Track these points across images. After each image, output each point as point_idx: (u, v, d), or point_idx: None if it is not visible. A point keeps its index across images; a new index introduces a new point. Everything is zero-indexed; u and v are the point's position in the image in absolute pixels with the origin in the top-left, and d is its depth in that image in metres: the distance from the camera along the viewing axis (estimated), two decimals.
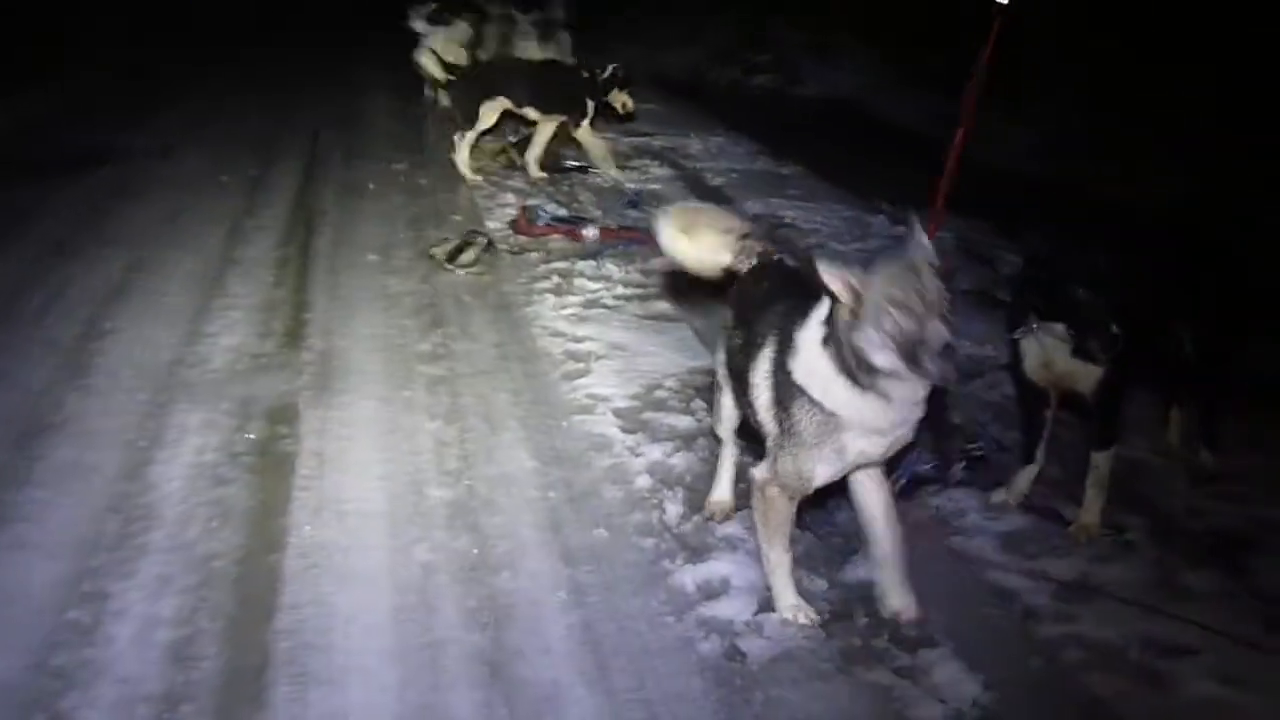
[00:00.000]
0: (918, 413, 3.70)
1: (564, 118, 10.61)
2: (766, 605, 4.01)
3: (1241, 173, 10.32)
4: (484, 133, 10.67)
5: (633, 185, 10.33)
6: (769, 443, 3.95)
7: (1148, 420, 5.32)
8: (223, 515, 4.52)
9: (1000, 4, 6.60)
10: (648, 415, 5.54)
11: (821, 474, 3.80)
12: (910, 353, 3.40)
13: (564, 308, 7.05)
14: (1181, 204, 10.01)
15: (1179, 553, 4.50)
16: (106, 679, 3.56)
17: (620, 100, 10.89)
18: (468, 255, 7.77)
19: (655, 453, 5.16)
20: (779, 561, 3.97)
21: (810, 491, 3.90)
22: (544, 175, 10.53)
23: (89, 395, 5.53)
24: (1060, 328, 4.30)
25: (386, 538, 4.42)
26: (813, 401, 3.67)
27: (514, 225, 8.74)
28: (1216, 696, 3.65)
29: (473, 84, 10.62)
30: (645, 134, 12.61)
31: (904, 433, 3.76)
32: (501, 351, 6.36)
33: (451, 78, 10.82)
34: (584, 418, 5.52)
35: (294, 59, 17.46)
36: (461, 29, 13.28)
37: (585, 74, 10.74)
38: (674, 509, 4.65)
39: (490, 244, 8.03)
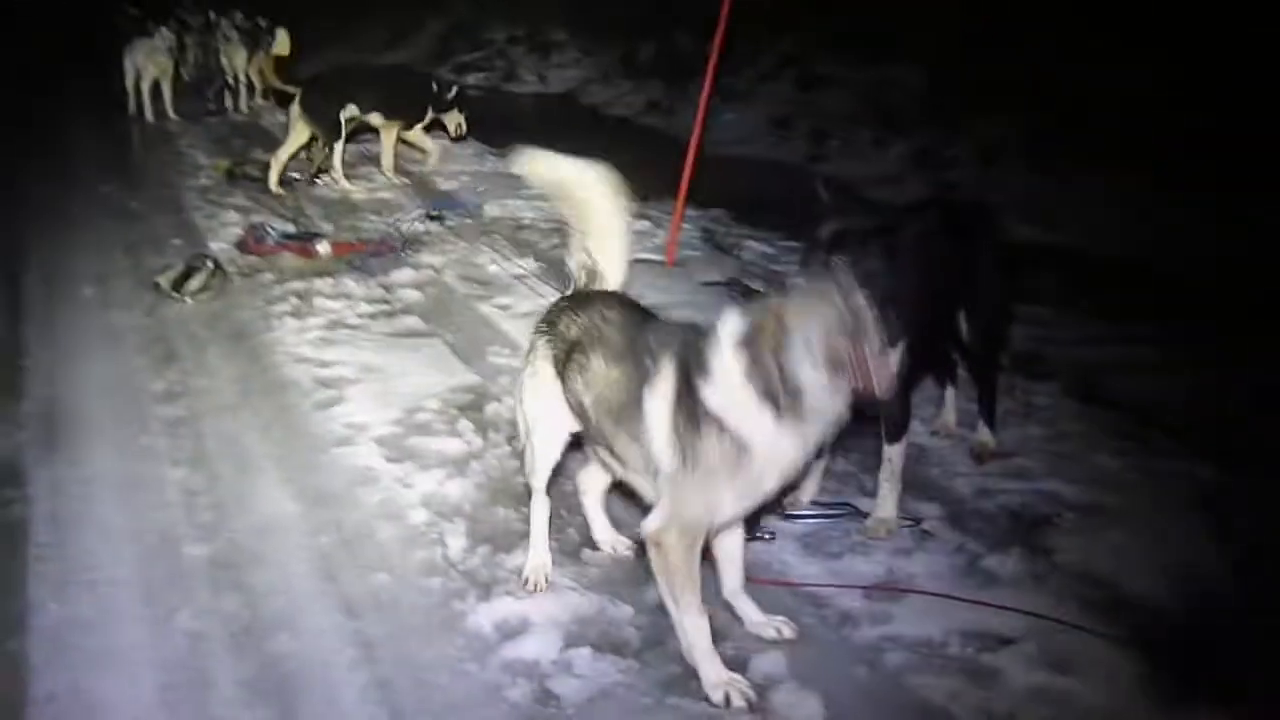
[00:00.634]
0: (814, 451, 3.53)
1: (405, 124, 10.64)
2: (573, 640, 3.77)
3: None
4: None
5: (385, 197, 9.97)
6: (654, 482, 3.59)
7: (921, 403, 5.29)
8: None
9: None
10: (413, 441, 5.22)
11: (731, 509, 3.50)
12: (841, 367, 3.23)
13: (306, 330, 6.66)
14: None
15: (979, 537, 4.48)
16: None
17: (455, 121, 10.98)
18: (195, 281, 7.28)
19: (427, 482, 4.84)
20: (696, 627, 3.54)
21: (713, 532, 3.61)
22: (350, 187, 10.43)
23: None
24: None
25: (144, 607, 3.97)
26: (725, 430, 3.36)
27: (240, 245, 8.28)
28: (1046, 684, 3.58)
29: (329, 93, 10.21)
30: (365, 140, 12.22)
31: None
32: (244, 385, 5.95)
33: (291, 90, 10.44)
34: (344, 450, 5.16)
35: None
36: (164, 37, 12.73)
37: (435, 86, 10.88)
38: (456, 543, 4.35)
39: (218, 267, 7.52)
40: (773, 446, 3.37)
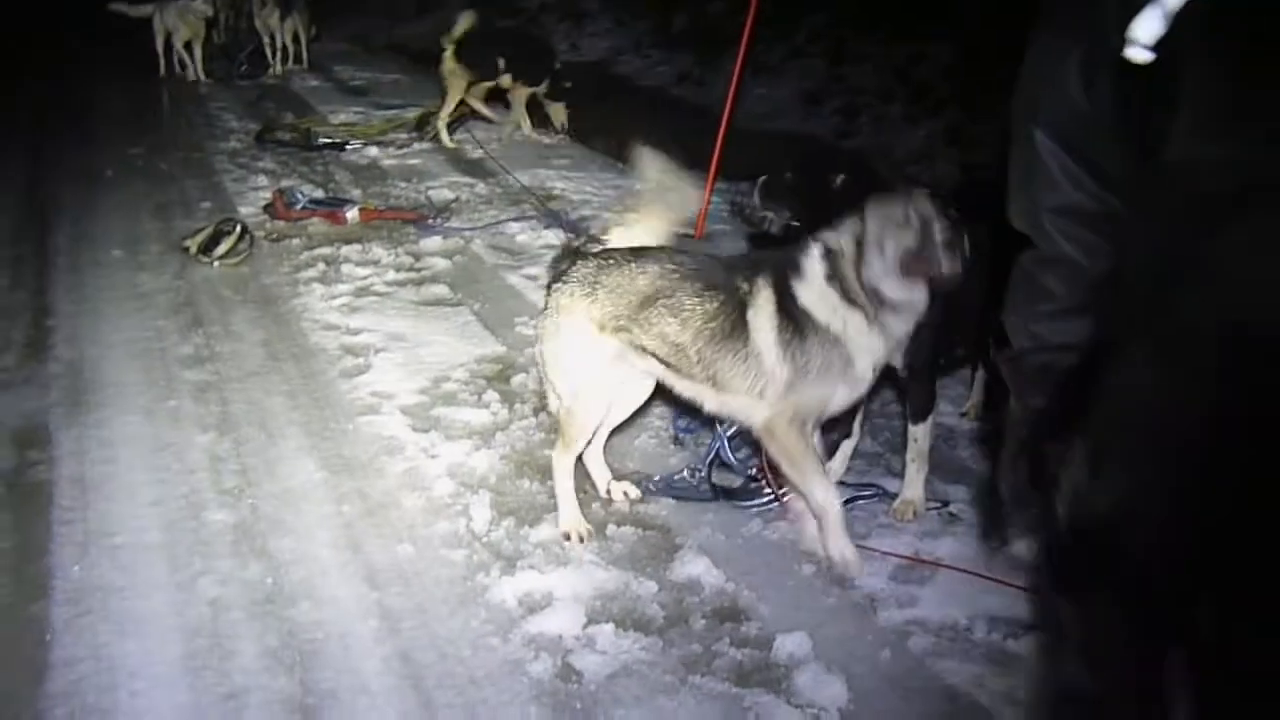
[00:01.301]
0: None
1: (531, 89, 10.74)
2: (596, 616, 3.73)
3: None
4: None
5: (392, 163, 9.95)
6: (757, 397, 3.96)
7: (951, 384, 5.22)
8: None
9: None
10: (439, 411, 5.19)
11: (840, 399, 3.97)
12: (912, 268, 3.74)
13: (334, 297, 6.64)
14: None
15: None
16: None
17: (559, 114, 11.04)
18: (223, 245, 7.25)
19: (453, 453, 4.81)
20: (825, 493, 3.99)
21: (823, 419, 4.08)
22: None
23: None
24: None
25: (167, 573, 3.95)
26: (824, 331, 3.84)
27: (269, 210, 8.25)
28: None
29: (484, 51, 10.34)
30: (395, 106, 12.18)
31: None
32: (271, 350, 5.92)
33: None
34: (370, 418, 5.13)
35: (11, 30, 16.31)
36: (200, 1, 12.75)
37: (556, 61, 10.90)
38: (481, 515, 4.31)
39: (246, 232, 7.48)
40: (864, 340, 3.85)
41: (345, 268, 7.12)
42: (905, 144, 11.30)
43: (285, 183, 8.95)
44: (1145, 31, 1.81)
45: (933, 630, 3.73)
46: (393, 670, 3.48)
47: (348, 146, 10.48)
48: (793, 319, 3.86)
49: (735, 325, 3.94)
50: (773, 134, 11.25)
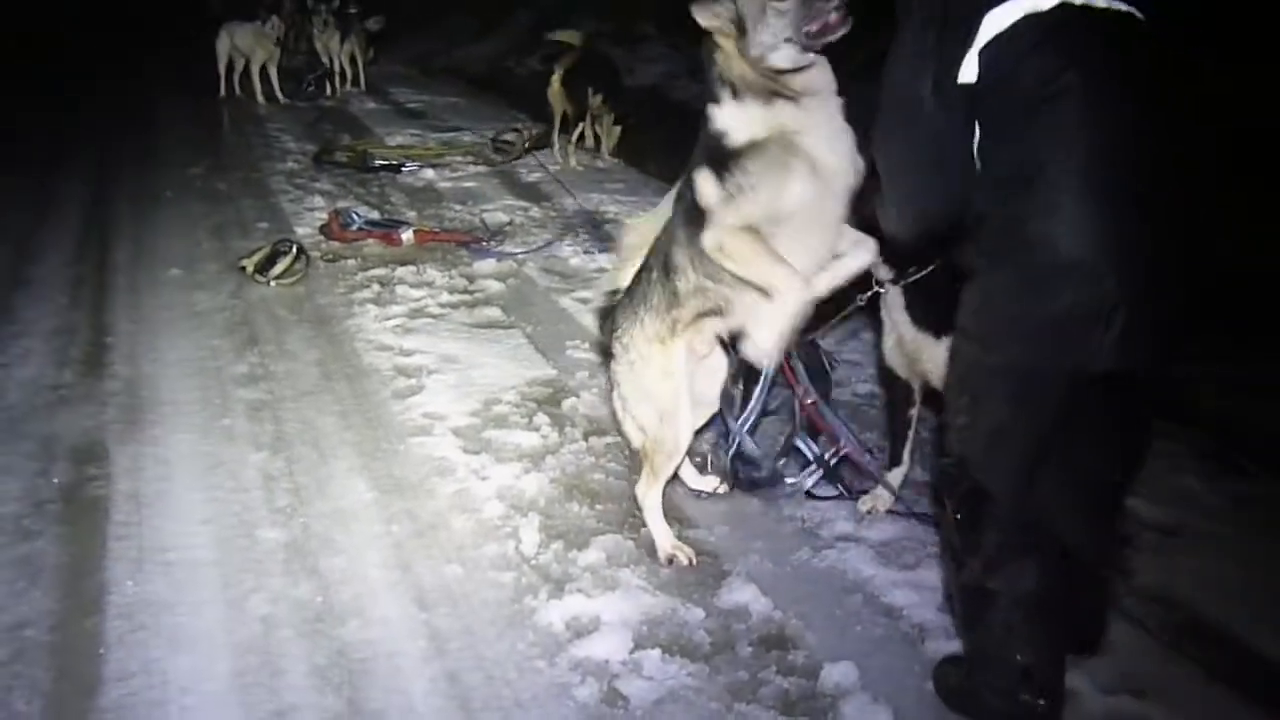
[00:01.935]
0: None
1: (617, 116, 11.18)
2: (643, 641, 3.73)
3: None
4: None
5: (448, 184, 10.01)
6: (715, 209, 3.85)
7: None
8: (30, 574, 4.05)
9: None
10: (490, 434, 5.21)
11: (802, 194, 3.75)
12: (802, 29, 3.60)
13: (388, 318, 6.68)
14: None
15: None
16: None
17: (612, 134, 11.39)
18: (279, 265, 7.32)
19: (503, 475, 4.83)
20: (788, 273, 3.82)
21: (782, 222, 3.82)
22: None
23: None
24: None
25: (219, 590, 4.00)
26: (753, 141, 3.73)
27: (325, 231, 8.33)
28: (1122, 709, 3.48)
29: (585, 77, 10.61)
30: (453, 128, 12.27)
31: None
32: (325, 370, 5.97)
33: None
34: (422, 439, 5.16)
35: (79, 48, 16.58)
36: (274, 25, 12.96)
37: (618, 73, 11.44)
38: (530, 537, 4.33)
39: (302, 252, 7.56)
40: (801, 119, 3.72)
41: (399, 289, 7.17)
42: None
43: (341, 204, 9.04)
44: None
45: None
46: (439, 691, 3.50)
47: (404, 168, 10.58)
48: (721, 156, 3.79)
49: (694, 208, 3.92)
50: None
